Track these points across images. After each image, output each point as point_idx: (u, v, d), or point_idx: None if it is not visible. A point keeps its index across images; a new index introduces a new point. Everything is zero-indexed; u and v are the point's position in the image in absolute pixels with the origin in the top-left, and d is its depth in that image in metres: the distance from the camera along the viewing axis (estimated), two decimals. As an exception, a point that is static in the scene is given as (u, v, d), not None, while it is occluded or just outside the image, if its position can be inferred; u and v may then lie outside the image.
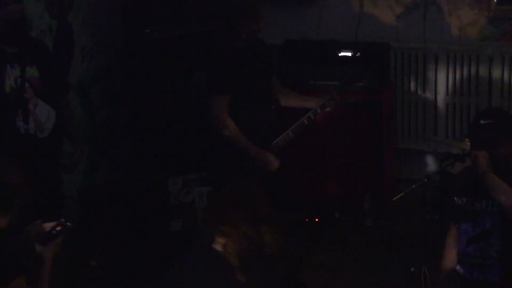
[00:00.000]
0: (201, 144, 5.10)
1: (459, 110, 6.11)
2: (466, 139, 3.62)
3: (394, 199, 4.97)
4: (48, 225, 3.17)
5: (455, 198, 3.60)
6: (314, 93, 5.33)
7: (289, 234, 4.98)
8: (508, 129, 3.46)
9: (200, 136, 5.23)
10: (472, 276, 3.55)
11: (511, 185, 3.36)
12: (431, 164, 6.21)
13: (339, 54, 5.83)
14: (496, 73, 5.97)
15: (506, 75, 5.93)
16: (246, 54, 4.54)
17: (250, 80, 4.53)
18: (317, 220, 5.75)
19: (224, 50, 4.56)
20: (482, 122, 3.46)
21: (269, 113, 4.69)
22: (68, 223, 3.20)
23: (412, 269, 4.58)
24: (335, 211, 5.79)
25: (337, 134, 5.78)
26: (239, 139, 4.47)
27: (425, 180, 4.66)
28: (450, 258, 3.66)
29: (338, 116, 5.67)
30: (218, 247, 2.83)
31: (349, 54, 5.82)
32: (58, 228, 3.16)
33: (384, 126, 5.78)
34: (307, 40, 6.07)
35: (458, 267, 3.61)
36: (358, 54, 5.80)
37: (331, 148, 5.82)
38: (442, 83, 6.12)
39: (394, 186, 5.99)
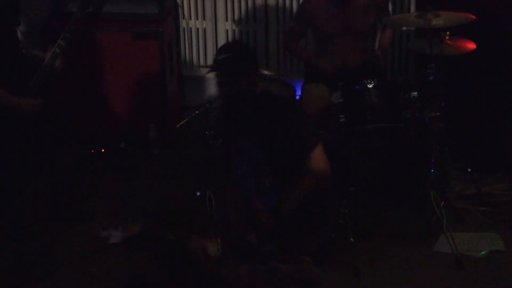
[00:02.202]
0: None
1: (239, 36, 6.26)
2: None
3: (178, 125, 5.03)
4: None
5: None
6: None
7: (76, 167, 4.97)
8: (245, 59, 3.65)
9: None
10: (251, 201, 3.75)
11: (262, 117, 3.54)
12: (213, 89, 6.34)
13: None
14: (271, 0, 6.16)
15: (280, 2, 6.14)
16: None
17: None
18: (103, 150, 5.72)
19: None
20: (219, 57, 3.63)
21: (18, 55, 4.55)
22: None
23: (198, 193, 4.72)
24: (121, 141, 5.78)
25: (119, 64, 5.72)
26: None
27: (207, 105, 4.75)
28: None
29: (120, 47, 5.63)
30: None
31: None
32: None
33: (166, 54, 5.79)
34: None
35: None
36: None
37: (113, 79, 5.76)
38: (221, 10, 6.24)
39: (179, 114, 6.05)
